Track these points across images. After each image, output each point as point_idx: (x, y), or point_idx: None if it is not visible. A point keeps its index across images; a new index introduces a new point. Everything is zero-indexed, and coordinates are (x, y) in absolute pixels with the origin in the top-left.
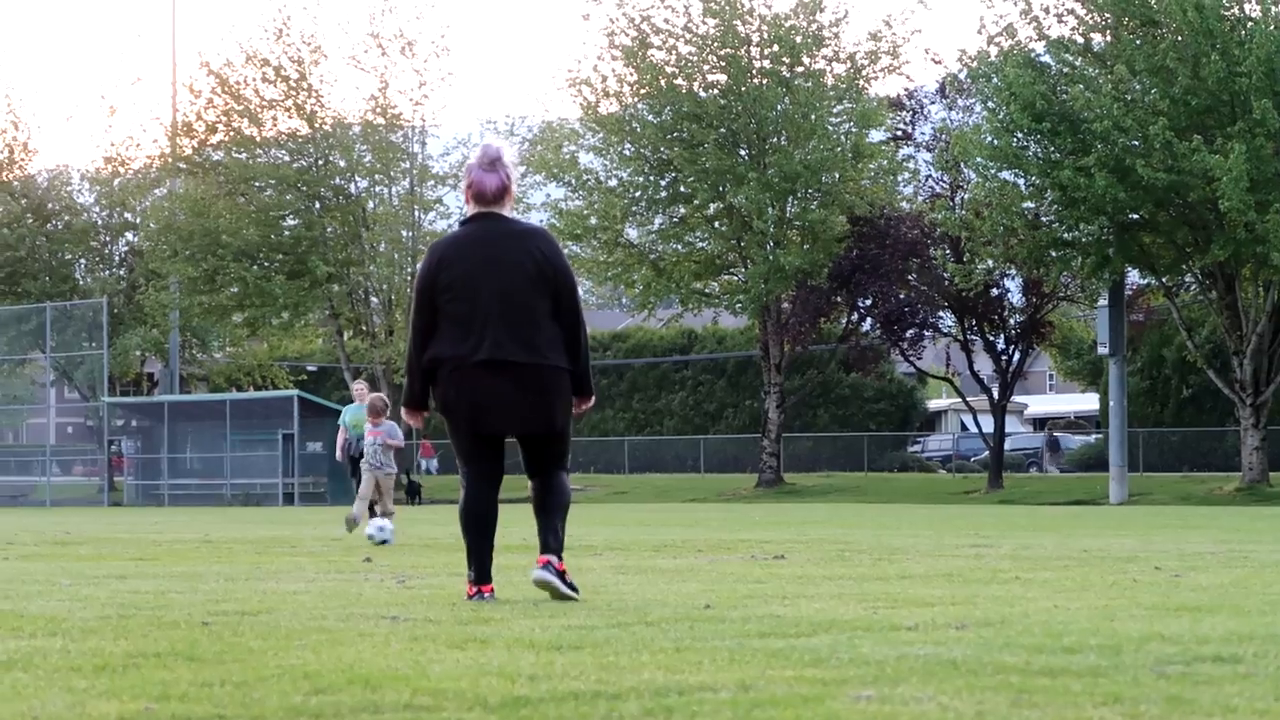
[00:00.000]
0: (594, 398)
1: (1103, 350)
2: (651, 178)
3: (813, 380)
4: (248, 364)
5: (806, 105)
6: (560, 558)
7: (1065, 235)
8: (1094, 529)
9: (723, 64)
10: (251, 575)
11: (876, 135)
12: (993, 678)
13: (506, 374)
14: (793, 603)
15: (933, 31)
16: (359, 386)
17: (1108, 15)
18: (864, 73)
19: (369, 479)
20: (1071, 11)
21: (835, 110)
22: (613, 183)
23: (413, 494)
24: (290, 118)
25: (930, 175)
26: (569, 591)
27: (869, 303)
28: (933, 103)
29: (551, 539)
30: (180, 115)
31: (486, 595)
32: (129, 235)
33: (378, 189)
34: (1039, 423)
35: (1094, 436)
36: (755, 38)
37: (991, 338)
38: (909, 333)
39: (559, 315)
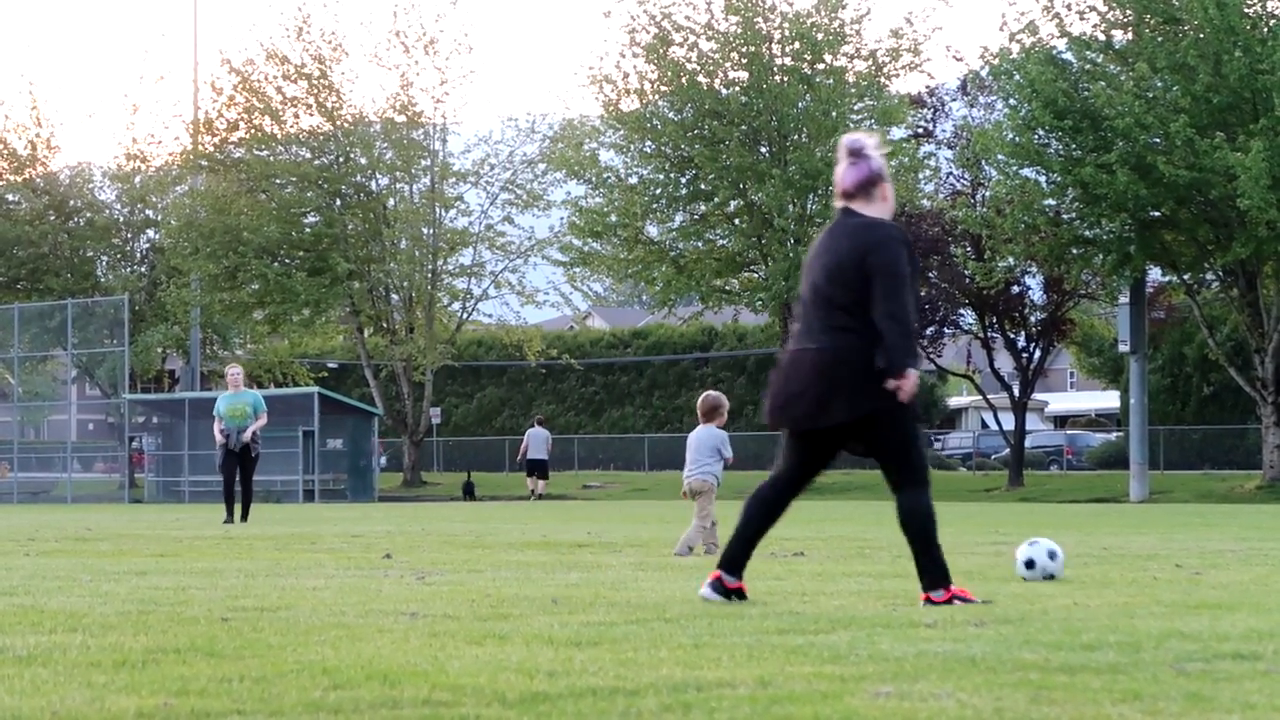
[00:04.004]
0: (907, 375)
1: (1123, 348)
2: (672, 175)
3: None
4: (268, 361)
5: (828, 102)
6: (935, 590)
7: (1086, 233)
8: (1114, 527)
9: (744, 61)
10: (271, 571)
11: (897, 132)
12: (1011, 675)
13: (803, 361)
14: (812, 599)
15: (954, 28)
16: (233, 372)
17: (1129, 12)
18: (885, 70)
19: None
20: (1093, 8)
21: (856, 107)
22: (633, 180)
23: (467, 492)
24: (311, 115)
25: (951, 172)
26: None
27: None
28: (954, 100)
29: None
30: (202, 112)
31: (965, 599)
32: (150, 232)
33: (398, 186)
34: (1060, 420)
35: (1114, 434)
36: (776, 35)
37: (1012, 335)
38: (929, 330)
39: (870, 306)
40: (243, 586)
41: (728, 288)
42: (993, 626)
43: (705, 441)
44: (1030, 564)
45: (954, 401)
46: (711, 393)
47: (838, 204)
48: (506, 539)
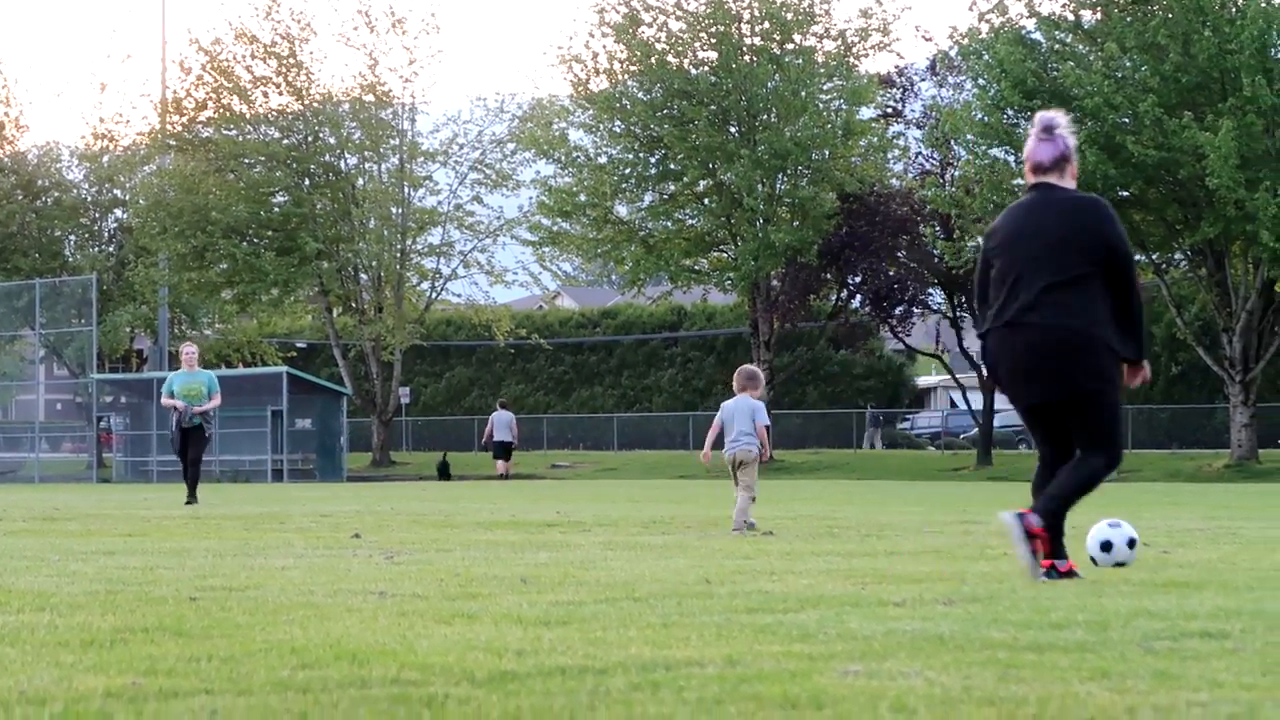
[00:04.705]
0: (1146, 367)
1: None
2: (641, 155)
3: (802, 357)
4: (237, 340)
5: (797, 82)
6: (1043, 526)
7: None
8: (1082, 506)
9: (713, 41)
10: (239, 551)
11: (867, 112)
12: (980, 653)
13: (1025, 337)
14: (781, 578)
15: (923, 8)
16: (188, 351)
17: None
18: (854, 50)
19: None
20: None
21: (825, 87)
22: (602, 160)
23: (443, 472)
24: (280, 94)
25: (920, 152)
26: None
27: (859, 280)
28: (923, 80)
29: (1049, 503)
30: (170, 92)
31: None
32: (118, 212)
33: (367, 166)
34: None
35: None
36: (746, 14)
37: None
38: (898, 310)
39: (1107, 284)
40: (211, 566)
41: (697, 267)
42: (961, 605)
43: (744, 411)
44: (1107, 546)
45: (923, 381)
46: (748, 365)
47: (1030, 178)
48: (475, 518)
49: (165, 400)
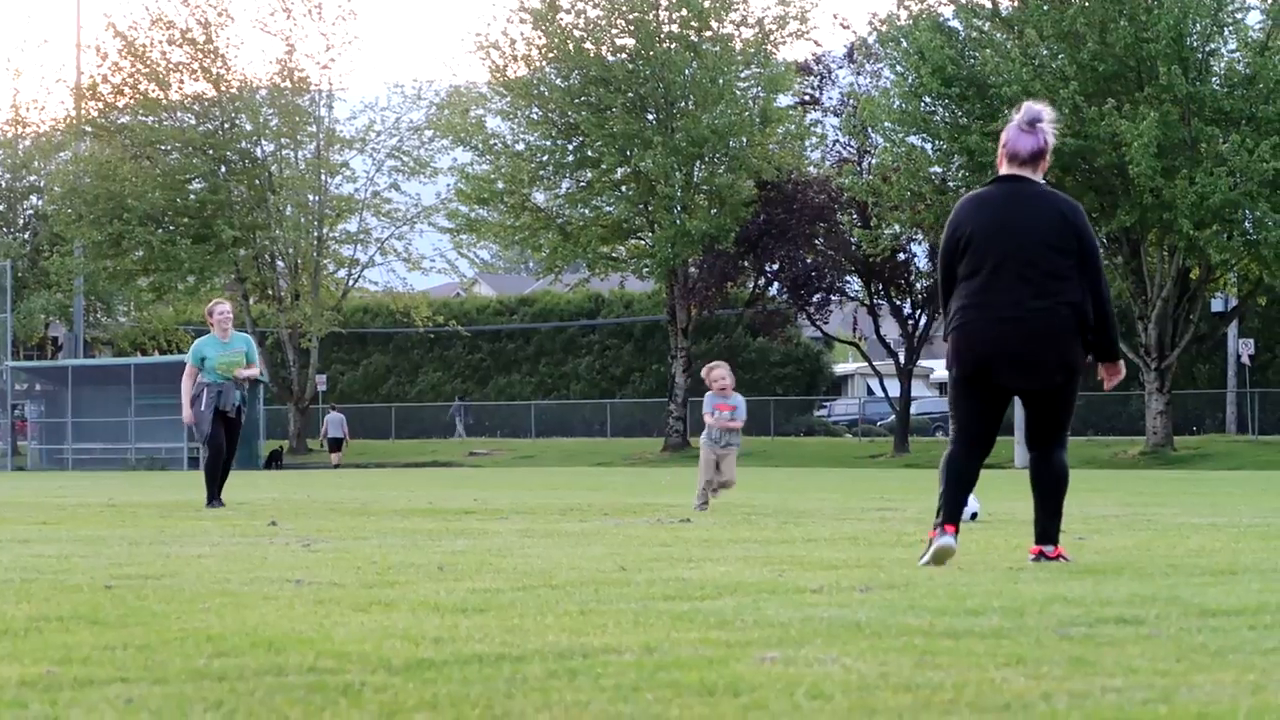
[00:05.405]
0: (1122, 366)
1: None
2: (559, 142)
3: (719, 344)
4: (153, 328)
5: (714, 70)
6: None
7: None
8: (999, 492)
9: (631, 28)
10: (155, 539)
11: (784, 100)
12: (896, 639)
13: (1017, 326)
14: (698, 566)
15: None
16: (222, 310)
17: None
18: (772, 37)
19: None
20: None
21: (743, 75)
22: (520, 147)
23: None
24: (196, 81)
25: (838, 140)
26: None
27: (776, 267)
28: (840, 67)
29: (1051, 526)
30: (85, 78)
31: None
32: (34, 198)
33: (284, 153)
34: (945, 387)
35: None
36: (664, 2)
37: (898, 302)
38: (816, 297)
39: (1081, 276)
40: (127, 554)
41: (614, 255)
42: (878, 592)
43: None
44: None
45: (840, 368)
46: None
47: (1003, 166)
48: (393, 506)
49: (184, 385)
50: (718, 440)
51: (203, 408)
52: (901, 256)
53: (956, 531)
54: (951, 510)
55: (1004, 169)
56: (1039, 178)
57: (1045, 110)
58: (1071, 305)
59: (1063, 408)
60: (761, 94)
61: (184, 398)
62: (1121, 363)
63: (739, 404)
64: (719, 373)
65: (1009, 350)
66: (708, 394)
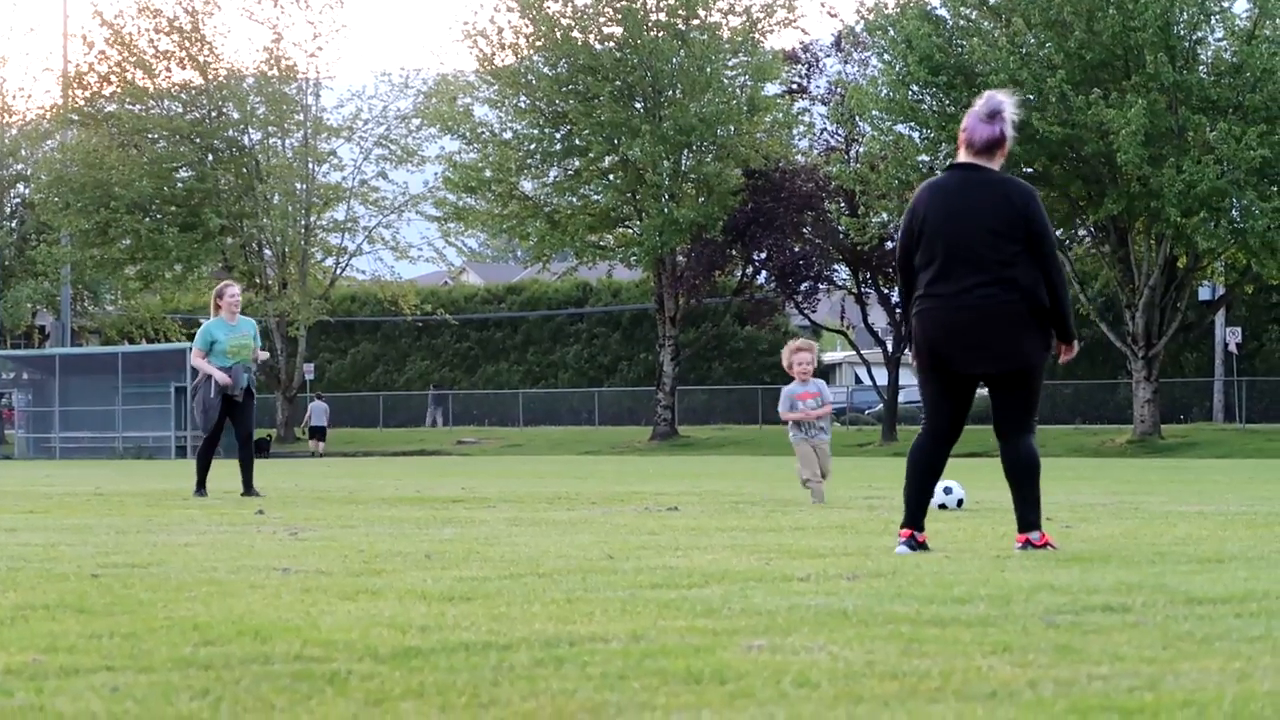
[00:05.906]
0: (1076, 344)
1: None
2: (546, 130)
3: (707, 333)
4: (140, 317)
5: (702, 58)
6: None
7: None
8: (986, 480)
9: (619, 16)
10: (142, 528)
11: (772, 89)
12: (883, 627)
13: (972, 312)
14: (686, 554)
15: None
16: (233, 292)
17: None
18: (760, 26)
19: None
20: None
21: (731, 63)
22: (507, 135)
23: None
24: (183, 69)
25: (825, 129)
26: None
27: (764, 256)
28: (828, 56)
29: (1030, 513)
30: (73, 66)
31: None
32: (20, 187)
33: (271, 141)
34: None
35: (986, 389)
36: None
37: (886, 291)
38: (803, 286)
39: (1033, 262)
40: (113, 543)
41: (602, 243)
42: (865, 580)
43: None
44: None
45: (828, 357)
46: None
47: (961, 154)
48: (380, 494)
49: (200, 363)
50: (809, 434)
51: (212, 395)
52: (889, 245)
53: (913, 536)
54: (914, 511)
55: (961, 156)
56: (995, 165)
57: (1008, 101)
58: (1021, 290)
59: (1025, 395)
60: (749, 82)
61: (209, 369)
62: (1075, 342)
63: (821, 389)
64: (804, 356)
65: (960, 337)
66: (785, 388)
